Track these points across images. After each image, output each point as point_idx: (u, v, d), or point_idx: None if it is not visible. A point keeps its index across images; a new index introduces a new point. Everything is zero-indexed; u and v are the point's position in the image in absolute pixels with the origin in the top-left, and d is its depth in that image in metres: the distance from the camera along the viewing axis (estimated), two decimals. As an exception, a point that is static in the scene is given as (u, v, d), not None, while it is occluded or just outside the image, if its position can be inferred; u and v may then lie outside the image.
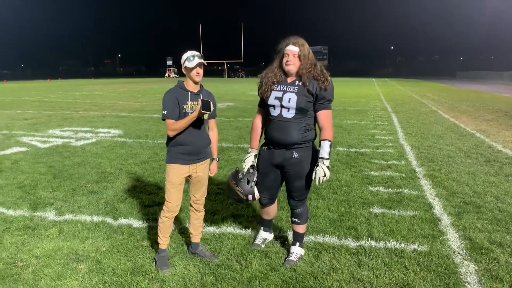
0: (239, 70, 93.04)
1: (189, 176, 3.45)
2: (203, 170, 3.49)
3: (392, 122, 12.22)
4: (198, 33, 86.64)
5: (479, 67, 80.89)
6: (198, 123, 3.34)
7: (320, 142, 3.26)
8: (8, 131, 10.73)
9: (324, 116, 3.26)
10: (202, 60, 3.25)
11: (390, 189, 5.50)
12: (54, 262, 3.51)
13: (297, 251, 3.57)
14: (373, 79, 68.27)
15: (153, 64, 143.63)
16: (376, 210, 4.74)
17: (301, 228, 3.58)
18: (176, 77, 78.34)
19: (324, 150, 3.20)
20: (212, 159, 3.62)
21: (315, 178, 3.18)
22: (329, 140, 3.22)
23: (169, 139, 3.38)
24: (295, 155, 3.29)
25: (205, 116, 3.29)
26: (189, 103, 3.30)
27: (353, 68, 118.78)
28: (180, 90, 3.32)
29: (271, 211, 3.78)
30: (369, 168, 6.66)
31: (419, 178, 6.07)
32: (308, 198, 5.09)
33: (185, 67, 3.27)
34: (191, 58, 3.23)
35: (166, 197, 3.43)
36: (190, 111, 3.28)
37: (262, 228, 3.89)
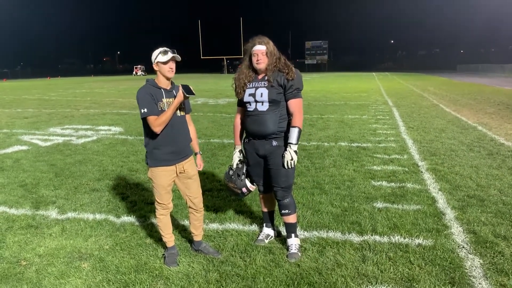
0: (239, 66, 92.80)
1: (177, 175, 3.40)
2: (190, 167, 3.45)
3: (393, 116, 12.18)
4: (197, 29, 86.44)
5: (480, 60, 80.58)
6: (180, 121, 3.31)
7: (290, 129, 3.44)
8: (8, 129, 10.72)
9: (294, 104, 3.44)
10: (176, 55, 3.19)
11: (393, 184, 5.48)
12: (57, 261, 3.50)
13: (294, 242, 3.62)
14: (373, 73, 68.08)
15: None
16: (380, 204, 4.72)
17: (291, 218, 3.63)
18: (143, 75, 77.70)
19: (293, 136, 3.41)
20: (195, 154, 3.60)
21: (283, 161, 3.43)
22: (298, 127, 3.42)
23: (150, 141, 3.29)
24: (274, 143, 3.47)
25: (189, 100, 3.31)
26: (164, 100, 3.22)
27: (353, 62, 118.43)
28: (153, 88, 3.22)
29: (269, 203, 3.87)
30: (371, 162, 6.64)
31: (422, 172, 6.05)
32: (311, 194, 5.08)
33: (158, 62, 3.17)
34: (164, 53, 3.16)
35: (157, 199, 3.41)
36: (166, 109, 3.20)
37: (264, 224, 3.94)
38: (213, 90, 26.89)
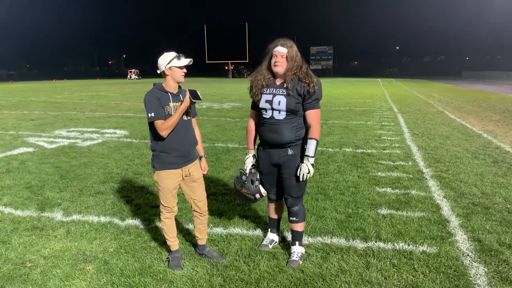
0: (244, 71, 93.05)
1: (182, 179, 3.42)
2: (196, 170, 3.47)
3: (398, 123, 12.17)
4: (203, 33, 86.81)
5: (486, 67, 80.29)
6: (186, 125, 3.33)
7: (307, 140, 3.37)
8: (15, 131, 10.79)
9: (312, 115, 3.36)
10: (191, 59, 3.23)
11: (397, 190, 5.47)
12: (62, 263, 3.52)
13: (297, 250, 3.59)
14: (378, 79, 68.03)
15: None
16: (384, 211, 4.72)
17: (299, 227, 3.60)
18: (137, 79, 78.06)
19: (310, 148, 3.33)
20: (200, 157, 3.62)
21: (299, 174, 3.35)
22: (315, 139, 3.34)
23: (156, 145, 3.31)
24: (290, 151, 3.40)
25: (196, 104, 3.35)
26: (171, 104, 3.24)
27: (358, 68, 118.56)
28: (160, 92, 3.25)
29: (278, 210, 3.84)
30: (376, 169, 6.64)
31: (426, 179, 6.04)
32: (315, 199, 5.08)
33: (171, 66, 3.19)
34: (179, 58, 3.19)
35: (162, 202, 3.42)
36: (173, 113, 3.23)
37: (269, 229, 3.92)
38: (218, 94, 26.96)
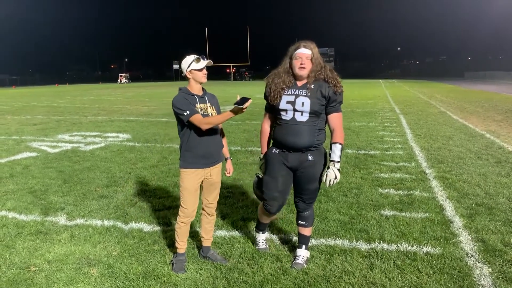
0: (245, 73, 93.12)
1: (202, 180, 3.44)
2: (216, 174, 3.49)
3: (400, 124, 12.16)
4: (205, 36, 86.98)
5: (488, 67, 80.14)
6: (213, 126, 3.33)
7: (331, 145, 3.26)
8: (18, 136, 10.83)
9: (335, 119, 3.26)
10: (210, 61, 3.30)
11: (400, 191, 5.47)
12: (66, 267, 3.52)
13: (303, 254, 3.56)
14: (380, 80, 68.01)
15: (160, 68, 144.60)
16: (387, 212, 4.71)
17: (307, 231, 3.56)
18: (127, 82, 78.77)
19: (336, 153, 3.23)
20: (226, 159, 3.64)
21: (325, 180, 3.23)
22: (340, 143, 3.24)
23: (183, 143, 3.36)
24: (310, 157, 3.27)
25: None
26: (198, 105, 3.30)
27: (360, 69, 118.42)
28: (186, 95, 3.31)
29: (273, 216, 3.73)
30: (378, 170, 6.63)
31: (429, 179, 6.03)
32: (318, 201, 5.08)
33: (192, 69, 3.26)
34: (200, 59, 3.26)
35: (181, 203, 3.42)
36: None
37: (260, 232, 3.84)
38: (220, 97, 26.83)
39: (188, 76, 3.30)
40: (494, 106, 17.64)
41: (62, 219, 4.63)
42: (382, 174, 6.34)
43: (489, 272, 3.36)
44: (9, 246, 3.96)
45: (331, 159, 3.25)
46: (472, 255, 3.65)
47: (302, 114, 3.19)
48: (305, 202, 3.44)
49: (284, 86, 3.24)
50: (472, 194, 5.31)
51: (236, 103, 2.99)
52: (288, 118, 3.24)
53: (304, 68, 3.16)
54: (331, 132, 3.31)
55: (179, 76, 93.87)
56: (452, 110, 16.20)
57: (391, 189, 5.57)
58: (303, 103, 3.16)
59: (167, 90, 38.22)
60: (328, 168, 3.24)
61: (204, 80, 3.31)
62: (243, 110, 3.01)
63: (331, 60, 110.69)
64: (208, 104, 3.38)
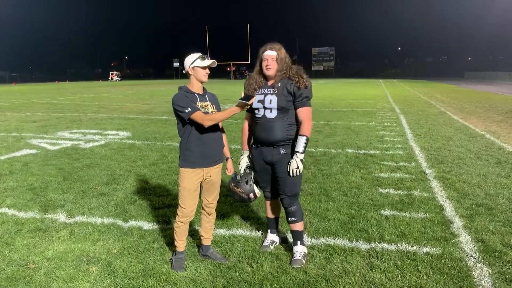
0: (246, 72, 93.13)
1: (202, 180, 3.43)
2: (216, 174, 3.48)
3: (400, 124, 12.15)
4: (205, 35, 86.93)
5: (488, 67, 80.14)
6: (213, 125, 3.33)
7: (297, 137, 3.44)
8: (18, 133, 10.82)
9: (303, 112, 3.45)
10: (214, 61, 3.31)
11: (400, 191, 5.46)
12: (65, 264, 3.52)
13: (300, 249, 3.60)
14: (380, 80, 67.99)
15: (160, 66, 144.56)
16: (387, 212, 4.71)
17: (298, 226, 3.62)
18: (119, 80, 79.24)
19: (300, 144, 3.42)
20: (227, 159, 3.64)
21: (288, 169, 3.43)
22: (306, 136, 3.42)
23: (183, 142, 3.35)
24: (282, 151, 3.47)
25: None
26: (198, 104, 3.29)
27: (360, 69, 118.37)
28: (187, 93, 3.31)
29: (275, 209, 3.87)
30: (378, 170, 6.63)
31: (429, 180, 6.03)
32: (318, 201, 5.08)
33: (195, 66, 3.27)
34: (204, 58, 3.27)
35: (180, 203, 3.41)
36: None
37: (269, 230, 3.94)
38: (220, 95, 26.97)
39: (190, 73, 3.30)
40: (494, 106, 17.64)
41: (61, 217, 4.63)
42: (382, 174, 6.34)
43: (489, 273, 3.36)
44: (9, 243, 3.95)
45: (295, 150, 3.42)
46: (472, 256, 3.65)
47: (271, 111, 3.43)
48: (288, 196, 3.56)
49: (256, 87, 3.51)
50: (472, 195, 5.31)
51: (242, 99, 3.14)
52: (260, 116, 3.49)
53: (270, 68, 3.42)
54: (299, 125, 3.48)
55: (179, 74, 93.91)
56: (452, 110, 16.20)
57: (391, 189, 5.57)
58: (270, 100, 3.40)
59: (167, 88, 38.20)
60: (292, 158, 3.43)
61: (205, 79, 3.32)
62: (248, 106, 3.16)
63: (331, 59, 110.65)
64: (209, 103, 3.38)
